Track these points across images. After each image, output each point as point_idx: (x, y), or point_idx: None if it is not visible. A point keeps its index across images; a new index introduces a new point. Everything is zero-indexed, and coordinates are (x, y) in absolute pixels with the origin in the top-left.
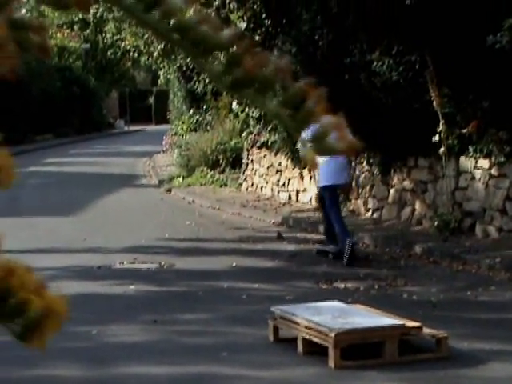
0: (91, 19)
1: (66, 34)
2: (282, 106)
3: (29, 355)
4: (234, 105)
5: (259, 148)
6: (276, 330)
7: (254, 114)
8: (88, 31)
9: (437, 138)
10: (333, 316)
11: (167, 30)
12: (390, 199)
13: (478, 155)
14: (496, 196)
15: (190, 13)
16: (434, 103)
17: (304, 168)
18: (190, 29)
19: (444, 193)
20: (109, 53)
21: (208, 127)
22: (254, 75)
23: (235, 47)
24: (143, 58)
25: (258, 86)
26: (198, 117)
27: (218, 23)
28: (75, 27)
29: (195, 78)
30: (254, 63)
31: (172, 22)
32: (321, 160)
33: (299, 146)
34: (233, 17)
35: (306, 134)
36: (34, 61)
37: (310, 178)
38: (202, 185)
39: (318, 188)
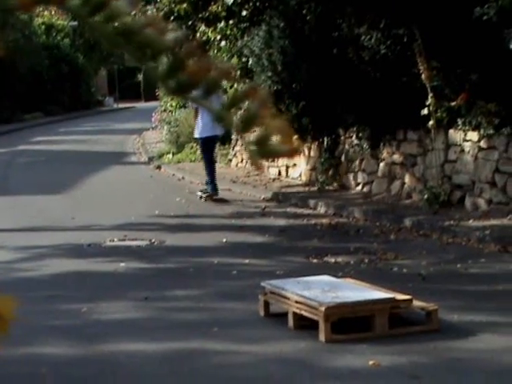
0: None
1: (53, 12)
2: (226, 109)
3: (19, 333)
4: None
5: None
6: (266, 304)
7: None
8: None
9: (426, 111)
10: (323, 290)
11: (112, 34)
12: (380, 173)
13: (467, 128)
14: (485, 168)
15: (135, 16)
16: (423, 76)
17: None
18: (135, 32)
19: (433, 166)
20: None
21: None
22: (198, 79)
23: (179, 51)
24: None
25: (203, 89)
26: None
27: (163, 26)
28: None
29: None
30: (198, 67)
31: (116, 25)
32: (198, 113)
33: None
34: None
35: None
36: (22, 39)
37: (300, 153)
38: (191, 161)
39: (197, 139)
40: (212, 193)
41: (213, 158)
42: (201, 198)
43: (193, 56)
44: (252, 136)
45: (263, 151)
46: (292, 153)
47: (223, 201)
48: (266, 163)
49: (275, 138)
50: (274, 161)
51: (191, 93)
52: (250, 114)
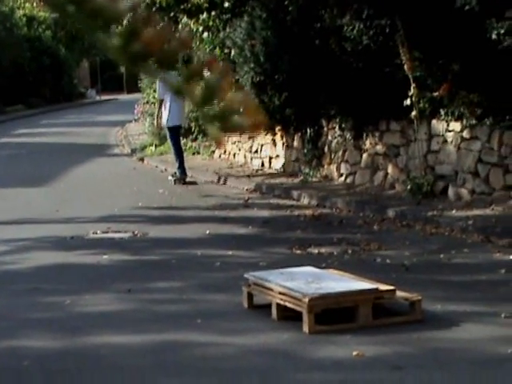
0: None
1: (34, 4)
2: (184, 80)
3: (1, 326)
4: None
5: None
6: (250, 296)
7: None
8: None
9: (408, 101)
10: (306, 281)
11: (62, 2)
12: (363, 164)
13: (450, 118)
14: (468, 158)
15: None
16: (405, 67)
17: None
18: (85, 0)
19: (416, 156)
20: None
21: None
22: (153, 49)
23: (133, 19)
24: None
25: (159, 59)
26: None
27: None
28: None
29: None
30: (154, 36)
31: None
32: (166, 103)
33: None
34: None
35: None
36: (3, 31)
37: (283, 145)
38: None
39: (166, 127)
40: (181, 176)
41: (180, 145)
42: (174, 182)
43: (147, 24)
44: (212, 110)
45: (225, 126)
46: (255, 127)
47: (192, 183)
48: (249, 155)
49: (237, 112)
50: (256, 152)
51: (147, 64)
52: (209, 86)
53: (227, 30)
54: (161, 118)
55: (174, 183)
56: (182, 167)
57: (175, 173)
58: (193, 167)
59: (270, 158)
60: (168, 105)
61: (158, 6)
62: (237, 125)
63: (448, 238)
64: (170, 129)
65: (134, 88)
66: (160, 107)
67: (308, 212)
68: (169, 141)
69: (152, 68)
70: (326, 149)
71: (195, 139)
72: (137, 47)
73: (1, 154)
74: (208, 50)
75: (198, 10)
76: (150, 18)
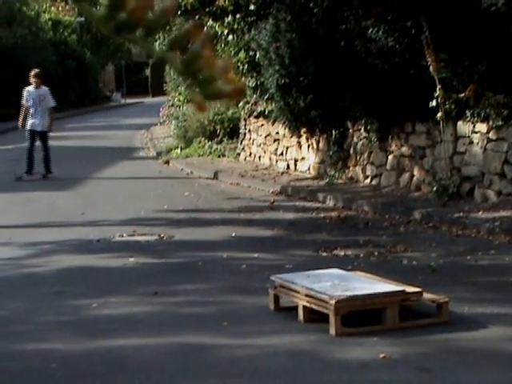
0: None
1: (60, 8)
2: (168, 49)
3: (29, 329)
4: None
5: (256, 117)
6: (276, 298)
7: (250, 84)
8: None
9: (434, 103)
10: (333, 283)
11: None
12: (389, 166)
13: (476, 119)
14: (494, 160)
15: None
16: (431, 68)
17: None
18: None
19: (442, 158)
20: None
21: None
22: (138, 18)
23: None
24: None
25: (144, 29)
26: None
27: None
28: (69, 0)
29: None
30: (139, 6)
31: None
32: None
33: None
34: None
35: None
36: (29, 35)
37: (308, 147)
38: (200, 156)
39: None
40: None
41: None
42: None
43: None
44: (196, 77)
45: (207, 93)
46: (236, 93)
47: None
48: (274, 157)
49: (219, 79)
50: (282, 155)
51: (133, 33)
52: (193, 53)
53: (252, 32)
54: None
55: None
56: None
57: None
58: (218, 169)
59: (296, 161)
60: (33, 111)
61: (183, 9)
62: (219, 91)
63: (474, 240)
64: (44, 133)
65: (159, 91)
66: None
67: (334, 214)
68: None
69: (137, 37)
70: (351, 151)
71: (220, 142)
72: (121, 17)
73: None
74: (233, 52)
75: (223, 12)
76: None
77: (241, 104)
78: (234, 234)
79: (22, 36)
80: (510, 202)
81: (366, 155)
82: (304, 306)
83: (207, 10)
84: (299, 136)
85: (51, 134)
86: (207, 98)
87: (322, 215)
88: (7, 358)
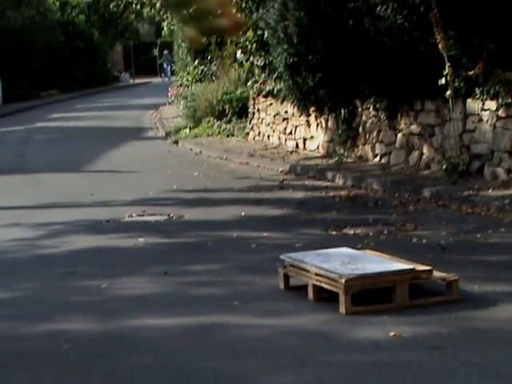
0: None
1: None
2: None
3: (40, 310)
4: (239, 54)
5: (265, 97)
6: (286, 277)
7: (258, 63)
8: None
9: (443, 80)
10: (342, 262)
11: None
12: (398, 144)
13: (485, 97)
14: (504, 137)
15: None
16: (440, 46)
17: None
18: None
19: (451, 136)
20: (111, 6)
21: (213, 77)
22: None
23: None
24: (146, 10)
25: None
26: (202, 67)
27: None
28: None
29: None
30: None
31: None
32: None
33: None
34: None
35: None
36: (37, 16)
37: (317, 126)
38: (208, 135)
39: None
40: None
41: None
42: None
43: None
44: (187, 11)
45: (202, 27)
46: (232, 28)
47: None
48: (283, 136)
49: (214, 14)
50: (291, 134)
51: None
52: None
53: (260, 11)
54: None
55: None
56: None
57: None
58: (227, 149)
59: (305, 140)
60: None
61: None
62: (214, 26)
63: (484, 218)
64: None
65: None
66: None
67: (343, 193)
68: None
69: None
70: (360, 129)
71: (229, 121)
72: None
73: (36, 139)
74: (241, 32)
75: None
76: None
77: (249, 83)
78: (243, 214)
79: (30, 17)
80: None
81: (375, 134)
82: (314, 285)
83: None
84: (308, 115)
85: (59, 115)
86: (203, 34)
87: (331, 194)
88: (19, 339)
